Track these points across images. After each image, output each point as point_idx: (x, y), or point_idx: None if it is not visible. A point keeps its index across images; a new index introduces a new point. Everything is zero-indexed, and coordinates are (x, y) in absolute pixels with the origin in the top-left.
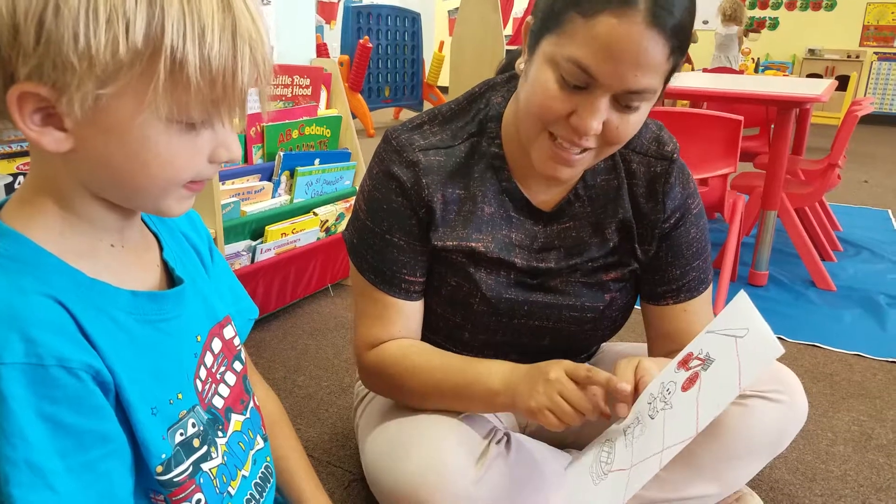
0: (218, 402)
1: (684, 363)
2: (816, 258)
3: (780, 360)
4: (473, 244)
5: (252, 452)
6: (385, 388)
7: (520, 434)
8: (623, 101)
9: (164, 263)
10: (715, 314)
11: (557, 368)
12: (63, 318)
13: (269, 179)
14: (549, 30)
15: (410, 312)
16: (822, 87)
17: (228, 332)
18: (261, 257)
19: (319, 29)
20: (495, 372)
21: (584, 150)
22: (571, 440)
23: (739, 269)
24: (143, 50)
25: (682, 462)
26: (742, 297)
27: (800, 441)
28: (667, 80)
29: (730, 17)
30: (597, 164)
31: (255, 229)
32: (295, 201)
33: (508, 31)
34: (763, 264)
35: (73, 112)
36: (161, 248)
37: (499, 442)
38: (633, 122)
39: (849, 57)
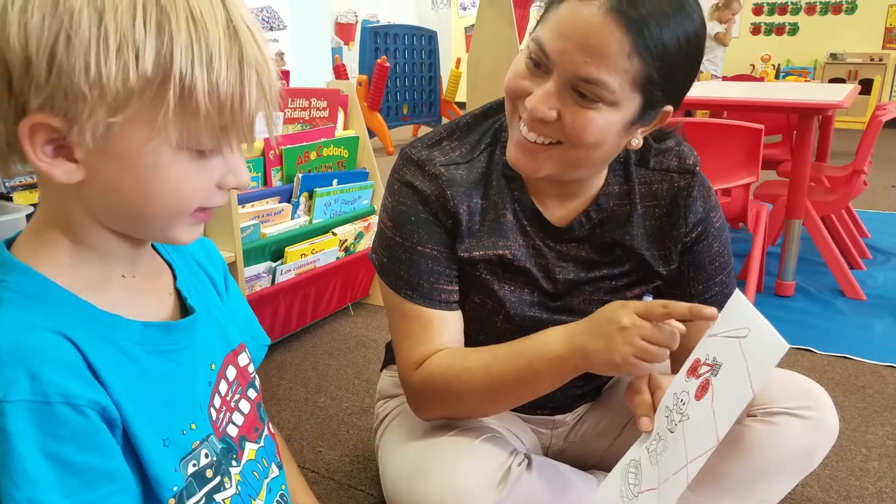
0: (232, 431)
1: (693, 371)
2: (844, 267)
3: (810, 373)
4: (501, 251)
5: (266, 481)
6: (441, 404)
7: (542, 456)
8: (578, 89)
9: (178, 292)
10: None
11: (628, 314)
12: (71, 354)
13: (289, 201)
14: (538, 24)
15: (453, 322)
16: (844, 93)
17: (243, 359)
18: (281, 278)
19: (338, 50)
20: (552, 339)
21: (551, 143)
22: (595, 461)
23: (765, 279)
24: (153, 77)
25: (711, 481)
26: (737, 296)
27: (832, 457)
28: (645, 92)
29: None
30: (611, 189)
31: (275, 251)
32: (314, 222)
33: (524, 45)
34: (789, 274)
35: (85, 142)
36: (175, 277)
37: (520, 464)
38: (591, 120)
39: (872, 60)
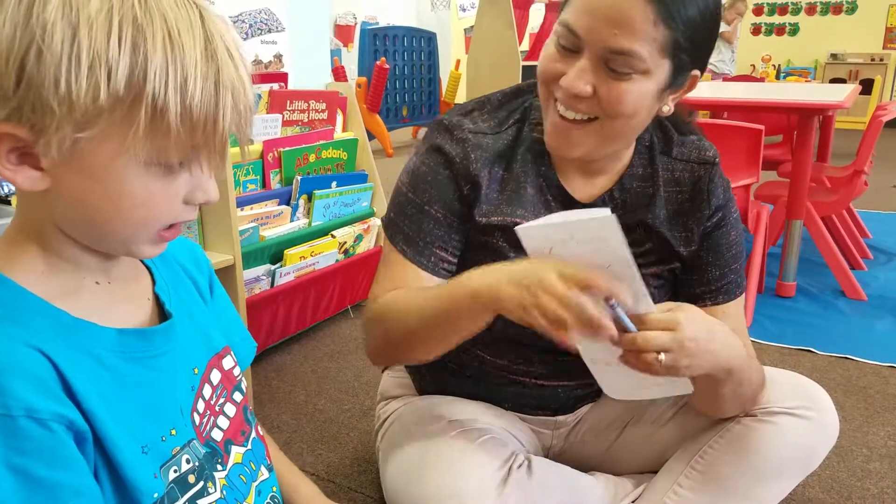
0: (217, 435)
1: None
2: (845, 267)
3: (811, 374)
4: (519, 220)
5: (255, 484)
6: (383, 338)
7: (542, 458)
8: (609, 64)
9: (157, 297)
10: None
11: (551, 272)
12: (41, 367)
13: (288, 203)
14: (561, 9)
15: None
16: (844, 93)
17: (228, 362)
18: (280, 281)
19: (337, 52)
20: (474, 276)
21: (588, 120)
22: (596, 462)
23: (766, 280)
24: (125, 96)
25: (710, 482)
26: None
27: (833, 458)
28: (673, 57)
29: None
30: (635, 170)
31: (275, 253)
32: (313, 224)
33: (524, 47)
34: (790, 275)
35: (51, 153)
36: (154, 282)
37: (520, 466)
38: (625, 91)
39: (872, 60)
